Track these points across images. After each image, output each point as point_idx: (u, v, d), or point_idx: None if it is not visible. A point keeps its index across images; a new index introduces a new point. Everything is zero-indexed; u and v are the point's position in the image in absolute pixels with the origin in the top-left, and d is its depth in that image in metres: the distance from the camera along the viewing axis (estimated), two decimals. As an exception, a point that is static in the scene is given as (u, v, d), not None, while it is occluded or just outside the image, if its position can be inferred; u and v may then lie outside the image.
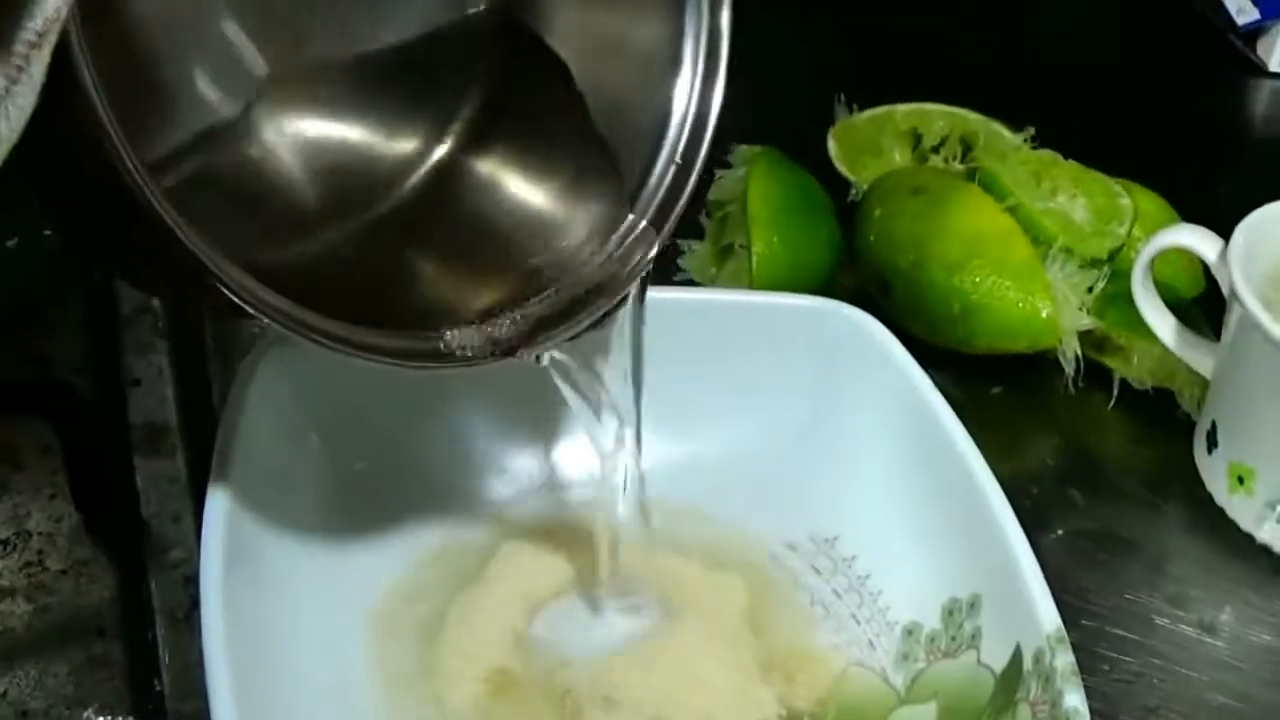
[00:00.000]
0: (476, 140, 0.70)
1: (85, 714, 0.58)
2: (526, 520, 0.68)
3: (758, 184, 0.87)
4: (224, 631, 0.55)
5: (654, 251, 0.66)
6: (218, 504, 0.59)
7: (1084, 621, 0.69)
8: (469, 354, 0.61)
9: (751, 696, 0.64)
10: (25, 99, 0.43)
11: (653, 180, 0.69)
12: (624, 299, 0.63)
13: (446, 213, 0.70)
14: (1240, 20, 1.19)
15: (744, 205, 0.87)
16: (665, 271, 0.85)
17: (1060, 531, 0.75)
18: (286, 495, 0.64)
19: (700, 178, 0.67)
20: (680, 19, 0.68)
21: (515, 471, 0.71)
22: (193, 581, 0.66)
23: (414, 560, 0.67)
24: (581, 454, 0.68)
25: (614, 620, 0.66)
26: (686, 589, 0.67)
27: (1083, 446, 0.85)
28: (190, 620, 0.65)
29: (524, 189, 0.70)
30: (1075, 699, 0.56)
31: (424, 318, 0.62)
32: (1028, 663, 0.59)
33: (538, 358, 0.62)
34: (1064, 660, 0.57)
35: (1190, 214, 0.88)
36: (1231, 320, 0.76)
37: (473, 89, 0.69)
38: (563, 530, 0.69)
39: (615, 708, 0.62)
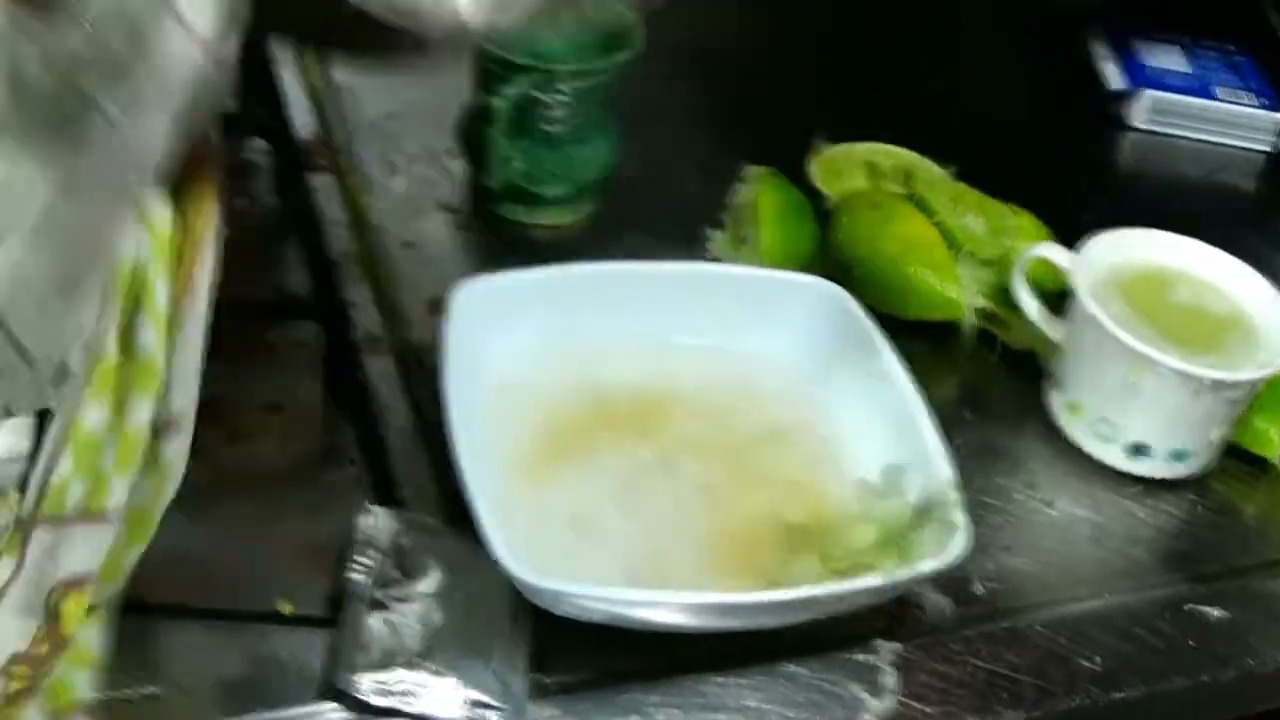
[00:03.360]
0: None
1: (366, 504, 0.85)
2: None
3: (763, 194, 1.09)
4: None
5: None
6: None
7: (967, 492, 0.87)
8: None
9: (759, 503, 0.90)
10: None
11: None
12: None
13: None
14: (1112, 86, 1.39)
15: (754, 208, 1.08)
16: (698, 252, 1.10)
17: (957, 438, 0.92)
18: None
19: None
20: None
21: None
22: (406, 433, 0.93)
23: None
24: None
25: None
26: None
27: (974, 385, 1.07)
28: (411, 455, 0.92)
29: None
30: (960, 517, 0.84)
31: None
32: (933, 499, 0.86)
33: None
34: (955, 497, 0.85)
35: (1061, 230, 1.08)
36: (1074, 307, 1.00)
37: None
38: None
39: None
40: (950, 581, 0.89)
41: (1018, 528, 0.97)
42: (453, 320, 0.92)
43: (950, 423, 0.93)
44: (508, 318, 0.95)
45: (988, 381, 1.08)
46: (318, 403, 0.97)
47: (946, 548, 0.84)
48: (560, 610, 0.81)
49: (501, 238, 1.13)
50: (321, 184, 1.12)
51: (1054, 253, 1.04)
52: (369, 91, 1.23)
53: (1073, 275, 1.01)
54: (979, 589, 0.92)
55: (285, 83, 1.20)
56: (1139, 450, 1.01)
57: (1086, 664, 0.89)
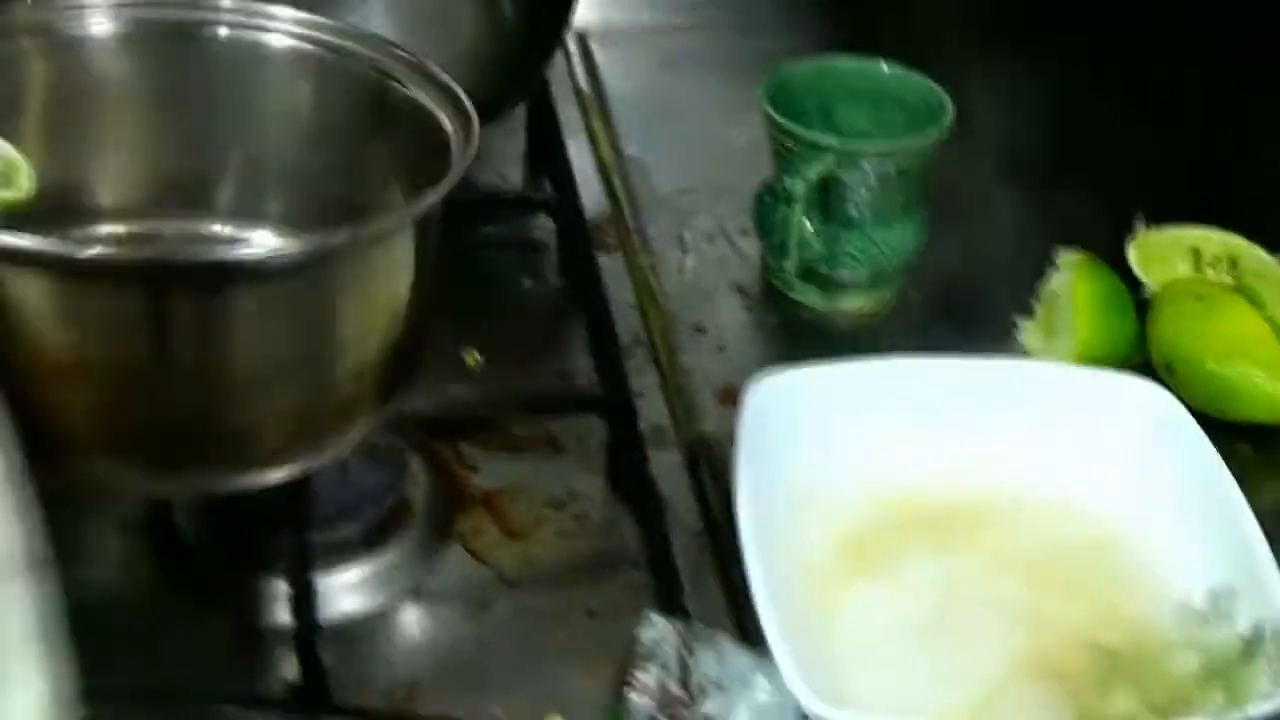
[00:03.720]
0: None
1: (649, 613, 0.80)
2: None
3: (1080, 282, 1.03)
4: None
5: None
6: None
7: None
8: None
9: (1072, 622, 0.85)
10: None
11: None
12: None
13: None
14: None
15: (1069, 297, 1.03)
16: (1006, 343, 1.04)
17: (1286, 555, 0.89)
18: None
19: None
20: None
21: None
22: (693, 534, 0.90)
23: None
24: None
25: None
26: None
27: (1308, 493, 1.00)
28: (698, 559, 0.88)
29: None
30: (1297, 652, 0.78)
31: None
32: (1266, 630, 0.80)
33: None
34: (1290, 628, 0.79)
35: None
36: None
37: None
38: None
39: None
40: (1283, 723, 0.81)
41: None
42: (748, 416, 0.88)
43: (1278, 537, 0.86)
44: (807, 414, 0.91)
45: (1323, 490, 1.00)
46: (600, 499, 0.93)
47: (1282, 687, 0.77)
48: (855, 743, 0.76)
49: (797, 323, 1.09)
50: (609, 264, 1.10)
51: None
52: (661, 165, 1.20)
53: None
54: (1317, 732, 0.84)
55: (573, 156, 1.16)
56: None
57: None
